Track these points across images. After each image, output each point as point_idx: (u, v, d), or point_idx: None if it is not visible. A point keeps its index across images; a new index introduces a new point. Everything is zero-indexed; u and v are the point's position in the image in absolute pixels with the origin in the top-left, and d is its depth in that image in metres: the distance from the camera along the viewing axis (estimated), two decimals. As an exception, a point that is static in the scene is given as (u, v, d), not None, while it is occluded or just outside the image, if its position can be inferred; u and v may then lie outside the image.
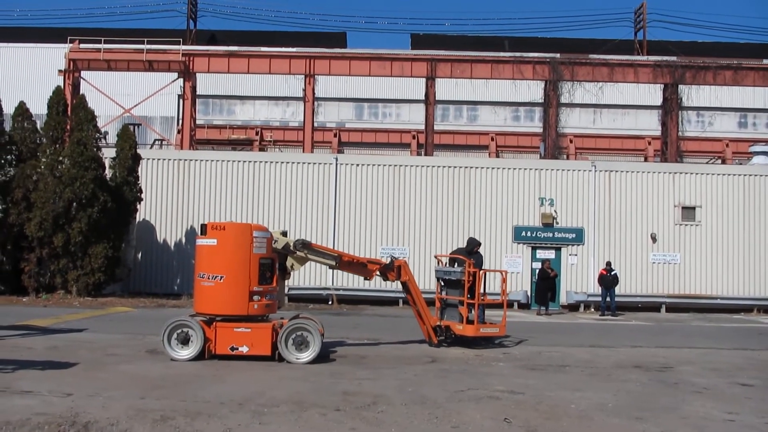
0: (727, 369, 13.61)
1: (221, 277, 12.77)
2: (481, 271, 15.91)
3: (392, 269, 14.98)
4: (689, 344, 17.89)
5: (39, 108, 30.22)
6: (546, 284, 27.34)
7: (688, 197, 30.39)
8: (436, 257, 17.77)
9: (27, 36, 53.04)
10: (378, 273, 15.06)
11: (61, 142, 27.70)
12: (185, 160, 30.59)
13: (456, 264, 16.17)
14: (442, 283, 16.32)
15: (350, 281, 27.74)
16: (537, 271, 28.43)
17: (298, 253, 13.95)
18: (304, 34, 55.49)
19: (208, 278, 12.82)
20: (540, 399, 10.13)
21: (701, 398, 10.61)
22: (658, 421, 9.07)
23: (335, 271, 18.94)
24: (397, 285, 16.98)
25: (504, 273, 17.35)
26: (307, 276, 28.51)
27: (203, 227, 13.19)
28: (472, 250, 16.61)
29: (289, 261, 13.96)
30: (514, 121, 51.23)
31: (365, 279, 15.52)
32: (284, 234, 14.06)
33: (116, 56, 36.36)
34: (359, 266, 15.08)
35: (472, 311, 15.55)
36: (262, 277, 13.08)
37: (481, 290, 15.74)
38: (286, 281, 14.92)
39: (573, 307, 29.42)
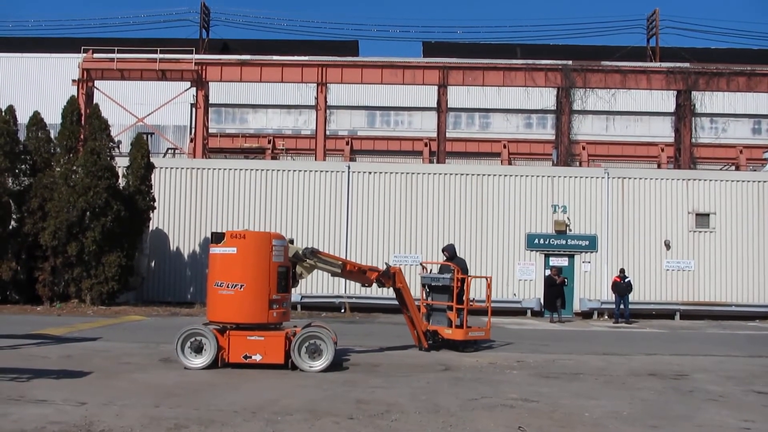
0: (743, 377, 13.52)
1: (241, 286, 12.74)
2: (469, 278, 16.69)
3: (389, 276, 15.42)
4: (704, 352, 17.78)
5: (53, 117, 30.43)
6: (554, 291, 27.27)
7: (701, 204, 30.24)
8: (421, 264, 18.55)
9: (41, 46, 53.43)
10: (375, 280, 15.42)
11: (75, 151, 27.84)
12: (198, 168, 30.70)
13: (443, 270, 16.96)
14: (428, 289, 16.95)
15: (363, 289, 27.72)
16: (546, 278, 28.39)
17: (307, 261, 14.00)
18: (316, 42, 55.66)
19: (227, 287, 12.77)
20: (554, 407, 10.09)
21: (716, 406, 10.53)
22: (673, 429, 9.02)
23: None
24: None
25: (489, 279, 18.06)
26: (319, 284, 28.54)
27: (217, 235, 13.19)
28: (455, 255, 17.33)
29: (298, 269, 13.99)
30: (526, 129, 51.16)
31: (363, 286, 16.32)
32: (291, 242, 14.10)
33: (129, 66, 36.57)
34: (359, 273, 15.38)
35: (458, 316, 16.20)
36: (280, 285, 13.12)
37: (467, 296, 16.43)
38: (294, 289, 15.03)
39: (586, 315, 29.31)
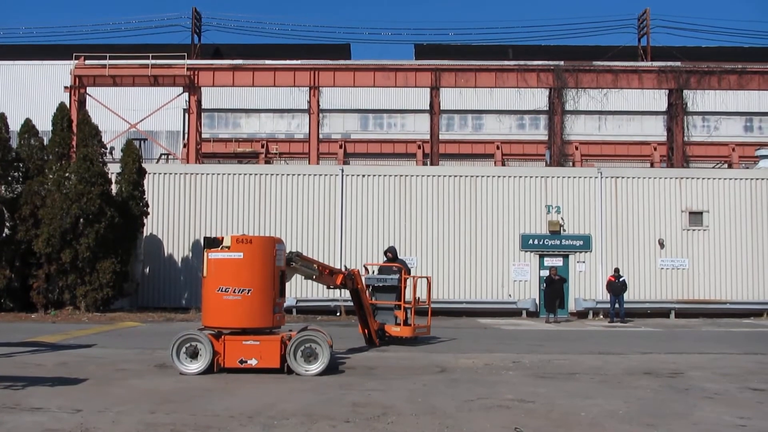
0: (738, 374, 13.54)
1: (248, 291, 12.71)
2: (415, 278, 18.50)
3: (351, 278, 16.15)
4: (699, 350, 17.81)
5: (45, 125, 30.31)
6: (553, 291, 27.22)
7: (695, 202, 30.32)
8: (364, 266, 19.24)
9: (33, 53, 53.25)
10: (340, 281, 15.99)
11: (68, 158, 27.78)
12: (191, 173, 30.65)
13: (383, 271, 18.30)
14: (371, 290, 17.88)
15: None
16: (544, 278, 28.36)
17: (293, 264, 14.10)
18: (308, 46, 55.74)
19: (234, 291, 12.68)
20: (550, 407, 10.09)
21: (712, 403, 10.55)
22: (670, 427, 9.02)
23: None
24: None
25: (429, 279, 19.39)
26: (314, 288, 28.44)
27: (210, 240, 13.11)
28: (396, 257, 18.78)
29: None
30: (519, 129, 51.14)
31: (328, 287, 16.65)
32: None
33: (121, 72, 36.51)
34: (328, 276, 15.77)
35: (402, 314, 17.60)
36: (281, 289, 13.19)
37: (415, 295, 18.09)
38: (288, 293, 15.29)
39: (582, 315, 29.35)
